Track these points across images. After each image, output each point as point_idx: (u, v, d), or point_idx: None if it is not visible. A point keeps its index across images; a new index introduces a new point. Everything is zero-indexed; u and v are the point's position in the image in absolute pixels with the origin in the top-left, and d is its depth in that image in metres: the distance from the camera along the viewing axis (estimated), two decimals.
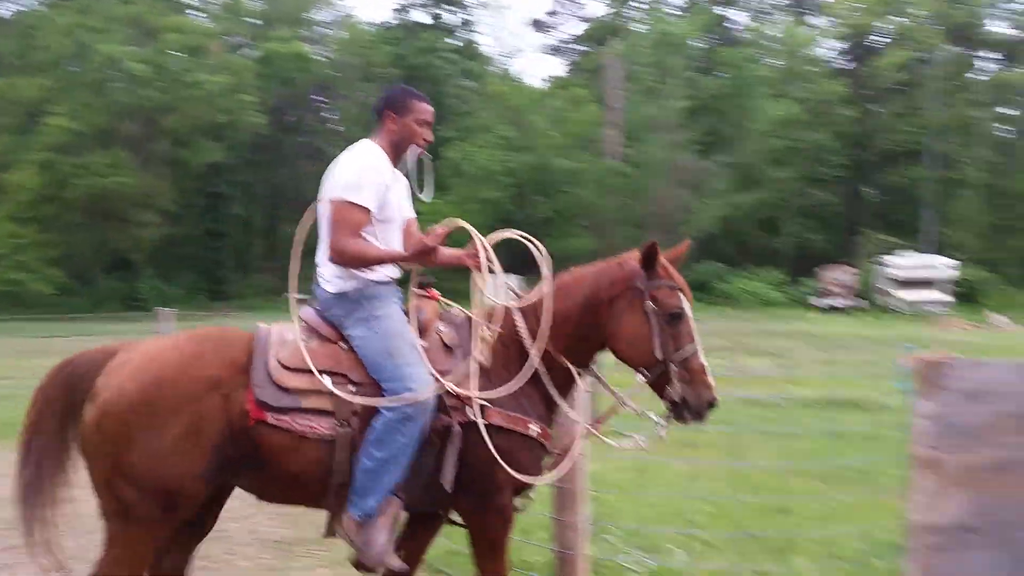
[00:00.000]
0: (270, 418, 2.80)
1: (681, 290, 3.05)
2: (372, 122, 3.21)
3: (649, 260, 3.03)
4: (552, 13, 55.34)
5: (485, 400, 2.89)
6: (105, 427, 2.71)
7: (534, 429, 2.97)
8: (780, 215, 45.08)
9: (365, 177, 2.97)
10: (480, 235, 3.14)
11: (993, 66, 46.11)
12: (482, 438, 2.84)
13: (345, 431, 2.83)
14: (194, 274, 39.30)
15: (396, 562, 2.91)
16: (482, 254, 3.10)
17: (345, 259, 2.95)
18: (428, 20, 47.59)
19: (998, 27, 46.12)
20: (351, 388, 2.86)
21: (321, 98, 46.77)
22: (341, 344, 2.99)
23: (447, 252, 3.24)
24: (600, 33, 49.37)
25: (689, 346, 2.97)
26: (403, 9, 48.17)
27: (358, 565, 2.92)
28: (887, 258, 35.34)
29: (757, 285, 37.87)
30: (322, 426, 2.83)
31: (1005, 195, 42.61)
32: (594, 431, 3.23)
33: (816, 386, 10.52)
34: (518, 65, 55.12)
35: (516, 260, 3.85)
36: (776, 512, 5.01)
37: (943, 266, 33.52)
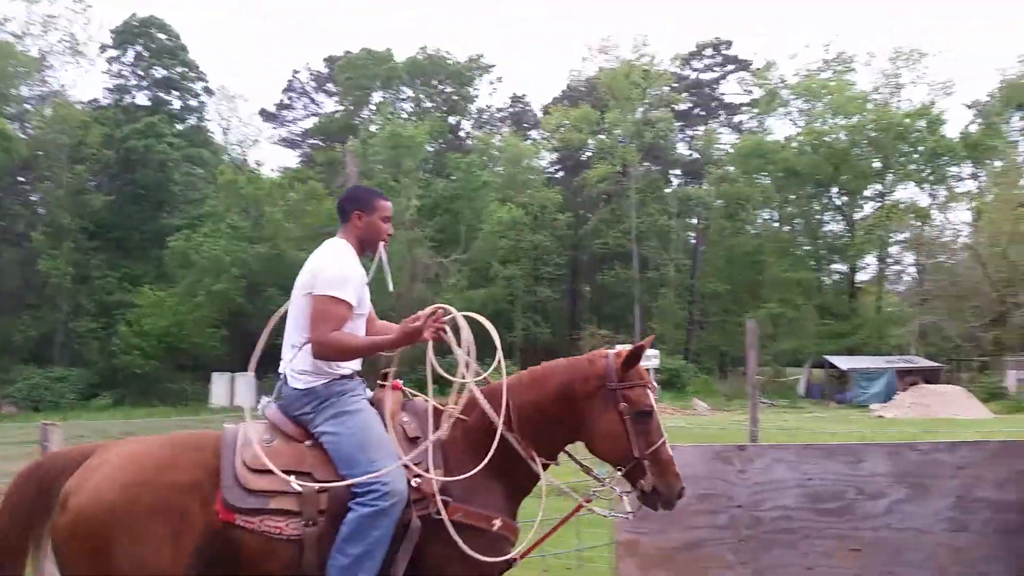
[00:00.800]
0: (238, 520, 2.79)
1: (649, 387, 3.13)
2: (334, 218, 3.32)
3: (633, 360, 3.08)
4: (283, 106, 55.34)
5: (446, 497, 2.86)
6: (81, 532, 2.67)
7: (496, 524, 2.94)
8: (510, 310, 47.81)
9: (348, 273, 3.07)
10: (462, 317, 3.24)
11: (678, 181, 53.78)
12: (438, 534, 2.83)
13: (312, 530, 2.82)
14: None
15: None
16: (459, 336, 3.22)
17: (331, 352, 3.00)
18: (147, 103, 45.04)
19: (681, 149, 54.31)
20: (316, 487, 2.85)
21: (23, 179, 41.97)
22: (306, 442, 2.98)
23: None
24: (332, 128, 50.22)
25: (659, 440, 3.04)
26: (118, 90, 45.28)
27: None
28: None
29: (495, 376, 39.38)
30: (289, 527, 2.82)
31: (696, 294, 49.07)
32: (585, 505, 3.24)
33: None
34: (253, 155, 53.62)
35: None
36: None
37: (651, 356, 37.35)
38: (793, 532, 3.47)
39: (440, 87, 52.15)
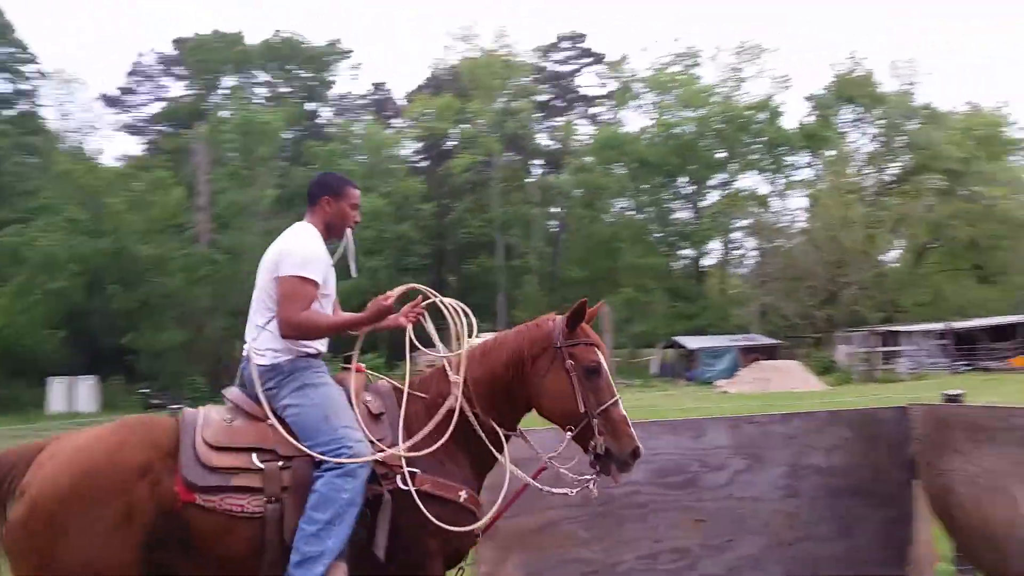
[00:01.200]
0: (199, 499, 2.78)
1: (597, 346, 3.11)
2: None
3: (576, 318, 3.08)
4: (127, 90, 51.81)
5: (414, 468, 2.90)
6: (33, 523, 2.65)
7: (463, 495, 2.97)
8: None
9: (313, 256, 3.12)
10: (437, 294, 3.30)
11: (540, 171, 54.74)
12: (409, 506, 2.85)
13: (273, 507, 2.82)
14: None
15: None
16: (453, 316, 3.30)
17: (299, 331, 3.04)
18: None
19: (542, 140, 55.31)
20: (279, 464, 2.85)
21: None
22: (268, 420, 2.96)
23: (388, 319, 3.33)
24: (181, 114, 47.50)
25: (609, 399, 3.01)
26: None
27: None
28: (472, 340, 38.58)
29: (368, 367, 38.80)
30: (251, 504, 2.81)
31: (558, 280, 50.22)
32: (535, 483, 3.18)
33: None
34: (92, 143, 49.76)
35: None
36: None
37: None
38: (643, 506, 3.65)
39: (296, 72, 50.42)
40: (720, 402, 22.48)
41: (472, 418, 3.08)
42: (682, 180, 49.97)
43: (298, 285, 3.05)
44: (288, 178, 42.20)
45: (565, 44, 57.13)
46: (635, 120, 52.81)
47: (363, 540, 2.87)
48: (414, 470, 2.93)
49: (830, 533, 4.27)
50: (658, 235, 50.53)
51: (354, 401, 3.08)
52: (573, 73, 58.42)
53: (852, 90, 48.86)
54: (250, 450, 2.87)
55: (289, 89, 49.56)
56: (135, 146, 52.71)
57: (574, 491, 3.11)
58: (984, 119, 50.39)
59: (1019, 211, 45.43)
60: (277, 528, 2.82)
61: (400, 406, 3.09)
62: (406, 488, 2.89)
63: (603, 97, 56.24)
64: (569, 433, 3.03)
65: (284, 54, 49.11)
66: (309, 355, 3.18)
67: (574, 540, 3.60)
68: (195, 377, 35.60)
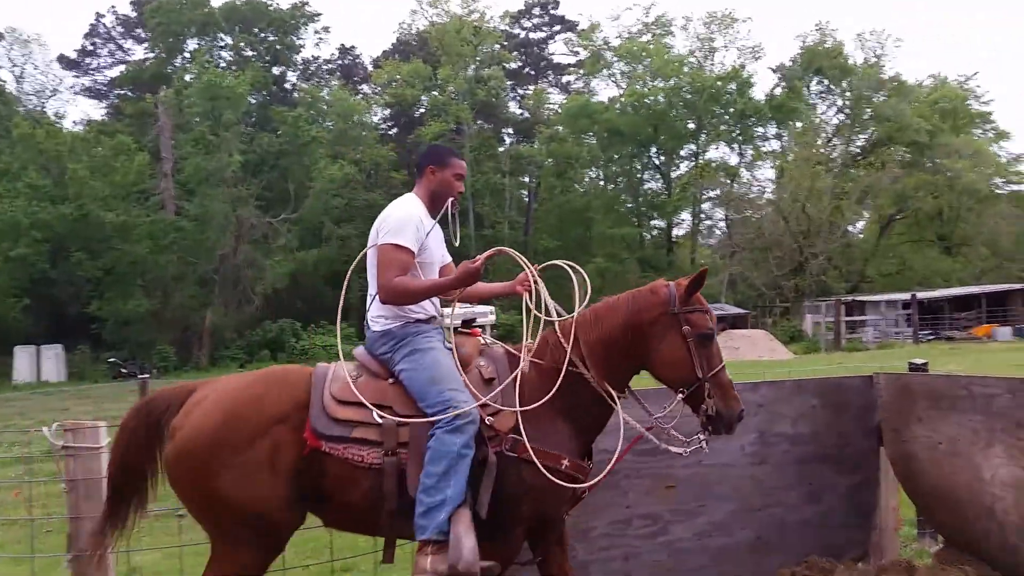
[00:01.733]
0: (324, 446, 3.01)
1: (708, 313, 3.23)
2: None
3: (696, 286, 3.20)
4: (87, 52, 50.39)
5: (519, 436, 3.02)
6: (186, 462, 2.95)
7: (565, 464, 3.06)
8: (346, 271, 46.65)
9: (405, 222, 3.26)
10: (526, 260, 3.31)
11: (511, 140, 54.43)
12: (511, 471, 3.00)
13: (391, 460, 3.01)
14: None
15: (486, 565, 2.91)
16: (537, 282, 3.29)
17: (394, 296, 3.21)
18: None
19: (513, 108, 54.92)
20: (396, 420, 3.04)
21: None
22: (389, 379, 3.19)
23: (496, 285, 3.57)
24: (143, 77, 46.32)
25: (719, 364, 3.17)
26: None
27: None
28: (444, 309, 38.40)
29: (331, 339, 38.49)
30: (371, 455, 3.02)
31: (530, 250, 50.21)
32: (651, 436, 3.27)
33: None
34: (52, 106, 48.36)
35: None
36: None
37: (487, 313, 37.91)
38: (616, 474, 3.69)
39: (262, 35, 49.34)
40: None
41: (593, 382, 3.17)
42: (653, 150, 50.05)
43: (391, 252, 3.21)
44: (254, 144, 41.51)
45: (536, 11, 56.59)
46: (606, 90, 52.72)
47: (469, 499, 3.00)
48: (519, 437, 3.03)
49: (798, 499, 4.37)
50: (629, 205, 50.69)
51: (468, 365, 3.23)
52: (544, 41, 57.96)
53: (820, 61, 49.14)
54: (371, 406, 3.07)
55: (254, 53, 48.50)
56: (97, 110, 51.54)
57: (688, 450, 3.25)
58: (949, 92, 51.04)
59: (982, 183, 46.31)
60: (395, 480, 3.00)
61: (512, 371, 3.19)
62: (511, 454, 3.02)
63: (574, 66, 55.94)
64: (680, 395, 3.19)
65: (249, 17, 47.96)
66: (419, 320, 3.31)
67: None
68: (163, 346, 35.25)
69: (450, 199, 3.43)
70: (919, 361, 4.74)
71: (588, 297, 3.27)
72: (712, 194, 49.05)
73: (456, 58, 47.52)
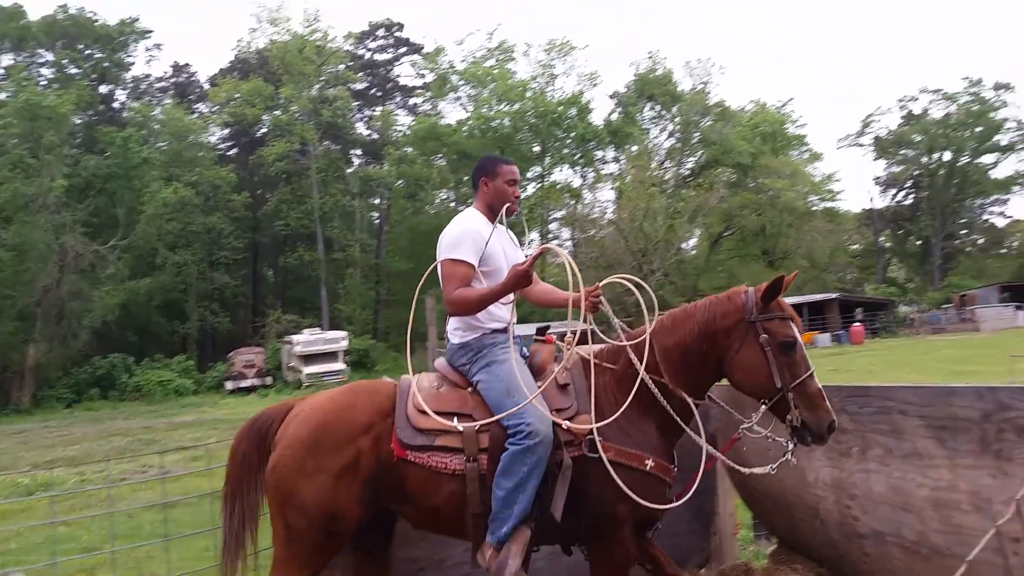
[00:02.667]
0: (409, 455, 3.14)
1: (792, 319, 3.12)
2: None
3: (772, 293, 3.09)
4: None
5: (599, 436, 3.04)
6: (282, 467, 3.16)
7: (649, 464, 3.08)
8: (183, 299, 44.24)
9: (462, 236, 3.35)
10: (572, 261, 3.24)
11: (359, 161, 53.73)
12: (597, 473, 3.01)
13: (473, 466, 3.11)
14: None
15: None
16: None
17: (457, 308, 3.31)
18: None
19: (361, 129, 54.31)
20: (476, 427, 3.13)
21: None
22: (468, 389, 3.29)
23: (560, 294, 3.66)
24: None
25: (804, 372, 3.02)
26: None
27: None
28: (293, 336, 37.25)
29: (167, 374, 36.25)
30: (453, 462, 3.12)
31: (382, 273, 49.65)
32: (723, 457, 3.25)
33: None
34: None
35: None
36: None
37: (339, 339, 36.97)
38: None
39: (87, 52, 46.12)
40: None
41: (654, 388, 3.15)
42: None
43: (450, 267, 3.33)
44: (79, 167, 38.64)
45: (380, 32, 56.44)
46: (453, 112, 53.23)
47: (548, 503, 3.06)
48: (597, 438, 3.05)
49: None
50: None
51: (543, 372, 3.29)
52: (390, 62, 57.86)
53: (652, 88, 52.04)
54: (452, 414, 3.17)
55: (79, 70, 45.22)
56: None
57: (775, 467, 3.13)
58: (769, 116, 55.49)
59: (799, 201, 50.55)
60: (477, 485, 3.10)
61: (588, 377, 3.20)
62: (592, 455, 3.05)
63: (420, 88, 56.15)
64: (763, 406, 3.11)
65: (72, 32, 44.76)
66: (496, 331, 3.40)
67: (402, 539, 3.60)
68: None
69: (506, 205, 3.47)
70: None
71: (655, 307, 3.35)
72: (559, 214, 50.52)
73: (299, 77, 46.44)
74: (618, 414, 3.08)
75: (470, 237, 3.36)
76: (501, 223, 3.49)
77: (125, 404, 32.93)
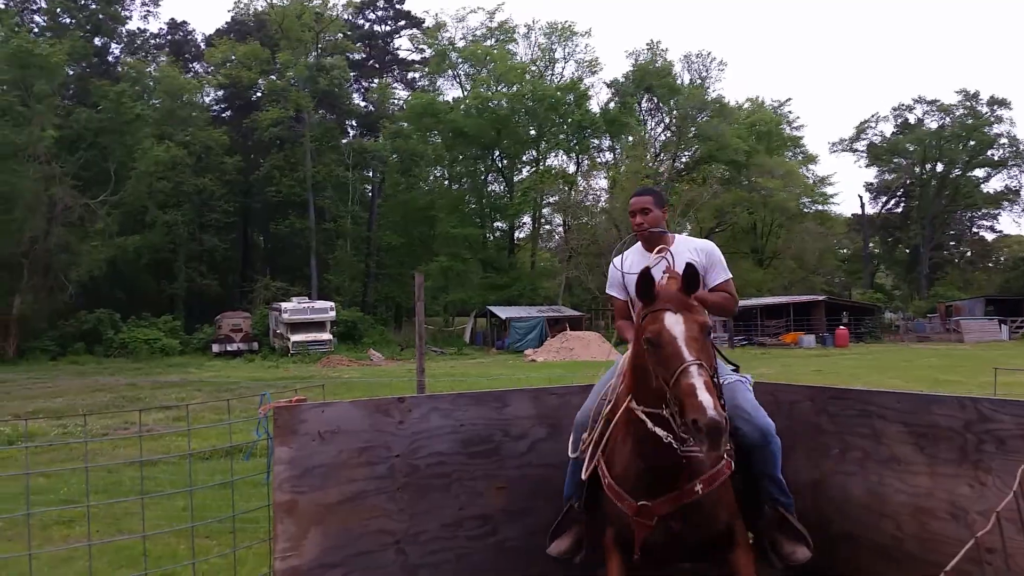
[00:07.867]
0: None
1: (663, 310, 2.70)
2: None
3: (641, 284, 2.76)
4: None
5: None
6: None
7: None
8: (172, 259, 43.95)
9: (610, 275, 3.77)
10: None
11: (354, 132, 53.33)
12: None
13: None
14: None
15: None
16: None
17: (621, 338, 3.62)
18: None
19: (357, 100, 53.86)
20: None
21: None
22: None
23: None
24: None
25: (675, 369, 2.53)
26: None
27: None
28: (282, 304, 37.10)
29: (153, 333, 36.03)
30: None
31: (372, 246, 49.46)
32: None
33: (210, 437, 10.33)
34: None
35: None
36: None
37: (327, 309, 36.83)
38: (447, 476, 3.70)
39: (83, 2, 45.39)
40: (529, 370, 23.25)
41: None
42: (496, 154, 50.78)
43: (610, 302, 3.75)
44: (71, 119, 38.14)
45: (381, 3, 55.84)
46: (451, 89, 52.85)
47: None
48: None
49: None
50: (473, 206, 51.11)
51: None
52: (389, 35, 57.33)
53: (651, 80, 51.87)
54: None
55: (73, 20, 44.50)
56: None
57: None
58: (765, 116, 55.51)
59: (792, 202, 50.69)
60: None
61: None
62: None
63: (419, 63, 55.68)
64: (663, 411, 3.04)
65: None
66: None
67: (378, 512, 3.57)
68: None
69: (630, 235, 3.78)
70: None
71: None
72: (552, 200, 50.46)
73: (296, 43, 45.97)
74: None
75: (614, 274, 3.71)
76: (622, 246, 3.83)
77: (110, 360, 32.74)
